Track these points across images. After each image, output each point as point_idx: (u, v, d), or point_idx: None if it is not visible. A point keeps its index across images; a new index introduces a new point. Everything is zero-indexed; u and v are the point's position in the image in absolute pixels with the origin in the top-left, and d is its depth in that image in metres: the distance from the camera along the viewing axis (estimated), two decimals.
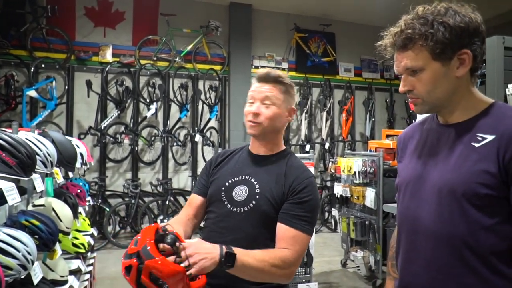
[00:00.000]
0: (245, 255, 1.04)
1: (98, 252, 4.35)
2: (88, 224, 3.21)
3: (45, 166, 1.71)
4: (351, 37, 7.10)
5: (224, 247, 1.01)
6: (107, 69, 5.44)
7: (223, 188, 1.24)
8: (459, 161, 0.89)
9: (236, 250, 1.03)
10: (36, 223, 1.67)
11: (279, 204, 1.18)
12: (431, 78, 0.90)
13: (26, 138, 1.65)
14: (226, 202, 1.22)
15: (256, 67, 6.47)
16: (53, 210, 2.01)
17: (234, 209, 1.20)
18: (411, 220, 0.97)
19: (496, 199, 0.84)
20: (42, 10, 5.14)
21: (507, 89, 2.60)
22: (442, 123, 0.99)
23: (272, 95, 1.23)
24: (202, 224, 1.37)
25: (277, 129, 1.26)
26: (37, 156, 1.63)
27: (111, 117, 5.35)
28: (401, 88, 0.96)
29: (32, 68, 5.04)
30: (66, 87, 5.32)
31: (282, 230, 1.15)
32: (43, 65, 5.24)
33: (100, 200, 5.01)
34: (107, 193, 5.35)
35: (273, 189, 1.19)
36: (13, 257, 1.37)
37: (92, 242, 3.13)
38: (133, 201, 5.14)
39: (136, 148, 5.54)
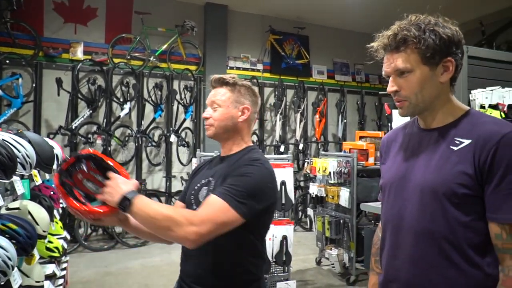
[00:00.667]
0: (145, 203, 1.07)
1: (69, 255, 4.20)
2: (61, 227, 3.11)
3: (24, 168, 1.65)
4: (324, 40, 7.28)
5: (134, 191, 1.08)
6: (78, 67, 5.25)
7: (192, 192, 1.32)
8: (440, 163, 0.97)
9: (141, 197, 1.08)
10: (14, 227, 1.61)
11: None
12: (418, 80, 0.97)
13: (3, 139, 1.59)
14: (194, 206, 1.27)
15: (231, 68, 6.49)
16: (29, 213, 1.95)
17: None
18: (395, 219, 1.05)
19: (472, 198, 0.92)
20: (6, 2, 4.86)
21: (470, 95, 2.80)
22: (423, 127, 1.07)
23: (217, 98, 1.30)
24: None
25: (230, 128, 1.30)
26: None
27: (83, 117, 5.17)
28: (389, 89, 1.02)
29: None
30: (34, 85, 5.10)
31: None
32: (7, 61, 4.99)
33: None
34: None
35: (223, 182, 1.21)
36: None
37: (65, 245, 3.04)
38: None
39: (109, 148, 5.39)
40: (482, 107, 2.72)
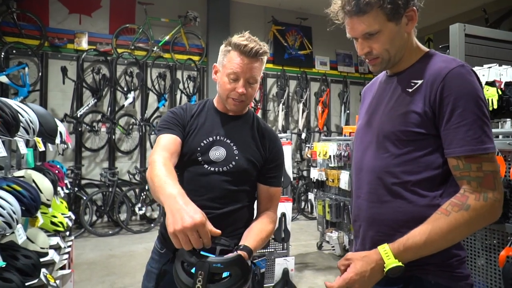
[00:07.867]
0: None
1: (75, 240, 4.30)
2: (66, 207, 3.19)
3: (27, 133, 1.72)
4: (327, 31, 7.26)
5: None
6: (83, 56, 5.35)
7: (198, 149, 1.22)
8: (395, 106, 1.01)
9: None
10: (18, 188, 1.68)
11: (260, 164, 1.27)
12: (388, 38, 0.98)
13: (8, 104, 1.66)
14: (203, 163, 1.21)
15: None
16: (33, 181, 2.02)
17: (212, 169, 1.20)
18: (358, 162, 1.10)
19: (423, 135, 0.95)
20: None
21: None
22: (389, 74, 1.09)
23: (257, 74, 1.23)
24: None
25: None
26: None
27: (88, 105, 5.27)
28: (360, 52, 1.02)
29: (2, 53, 4.90)
30: (40, 74, 5.21)
31: (264, 190, 1.29)
32: (14, 51, 5.10)
33: (76, 189, 4.93)
34: (83, 182, 5.28)
35: (252, 150, 1.26)
36: None
37: (70, 223, 3.12)
38: (110, 190, 5.10)
39: (113, 137, 5.49)
40: None
